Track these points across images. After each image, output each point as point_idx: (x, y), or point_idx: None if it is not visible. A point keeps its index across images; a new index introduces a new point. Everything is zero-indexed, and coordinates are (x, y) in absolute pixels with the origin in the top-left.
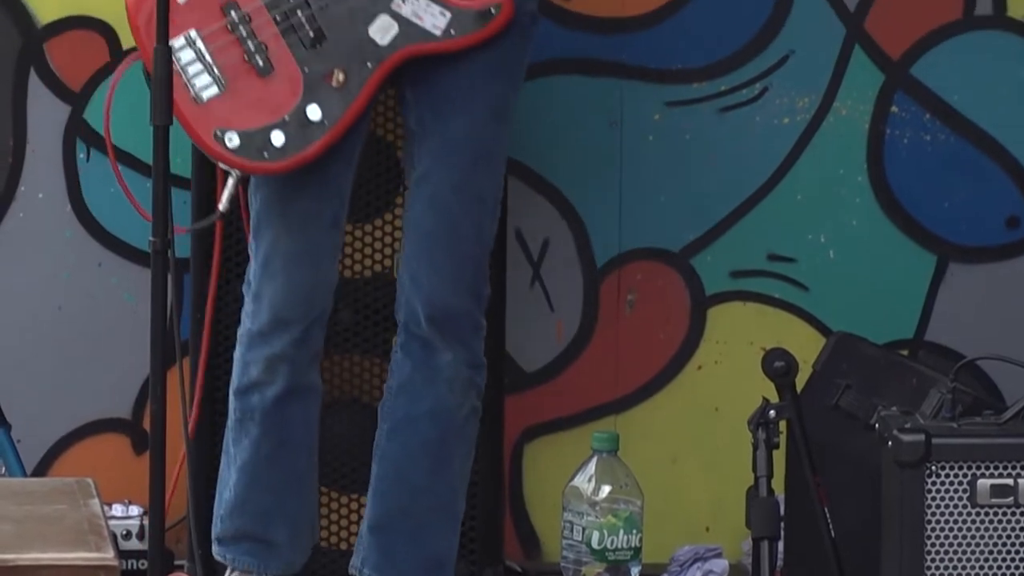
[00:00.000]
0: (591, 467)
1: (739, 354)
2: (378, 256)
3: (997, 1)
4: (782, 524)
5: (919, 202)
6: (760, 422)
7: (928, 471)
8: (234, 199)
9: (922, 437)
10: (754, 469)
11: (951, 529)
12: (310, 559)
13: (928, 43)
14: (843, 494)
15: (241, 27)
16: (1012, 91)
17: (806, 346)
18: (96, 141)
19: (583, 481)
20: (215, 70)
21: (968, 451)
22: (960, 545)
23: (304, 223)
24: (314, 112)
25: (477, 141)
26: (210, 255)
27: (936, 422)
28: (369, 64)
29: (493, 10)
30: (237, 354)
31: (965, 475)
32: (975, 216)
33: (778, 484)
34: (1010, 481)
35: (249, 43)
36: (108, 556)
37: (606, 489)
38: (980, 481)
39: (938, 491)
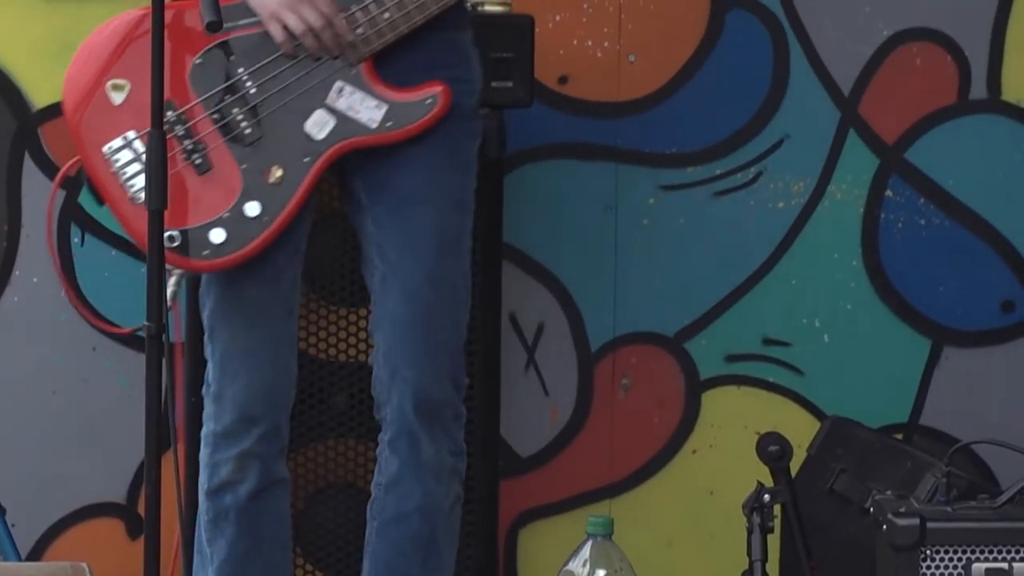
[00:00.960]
0: (586, 551)
1: (734, 438)
2: (362, 345)
3: (992, 85)
4: None
5: (914, 286)
6: (755, 506)
7: (923, 555)
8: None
9: (917, 521)
10: (749, 553)
11: None
12: None
13: (923, 127)
14: None
15: (178, 126)
16: (1007, 175)
17: (801, 430)
18: (91, 225)
19: (578, 565)
20: None
21: (963, 535)
22: None
23: (260, 318)
24: (253, 209)
25: (441, 231)
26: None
27: (931, 506)
28: (307, 159)
29: (429, 101)
30: (203, 456)
31: (960, 559)
32: (970, 300)
33: (773, 568)
34: (1005, 565)
35: (187, 142)
36: None
37: (601, 573)
38: (975, 565)
39: (933, 575)
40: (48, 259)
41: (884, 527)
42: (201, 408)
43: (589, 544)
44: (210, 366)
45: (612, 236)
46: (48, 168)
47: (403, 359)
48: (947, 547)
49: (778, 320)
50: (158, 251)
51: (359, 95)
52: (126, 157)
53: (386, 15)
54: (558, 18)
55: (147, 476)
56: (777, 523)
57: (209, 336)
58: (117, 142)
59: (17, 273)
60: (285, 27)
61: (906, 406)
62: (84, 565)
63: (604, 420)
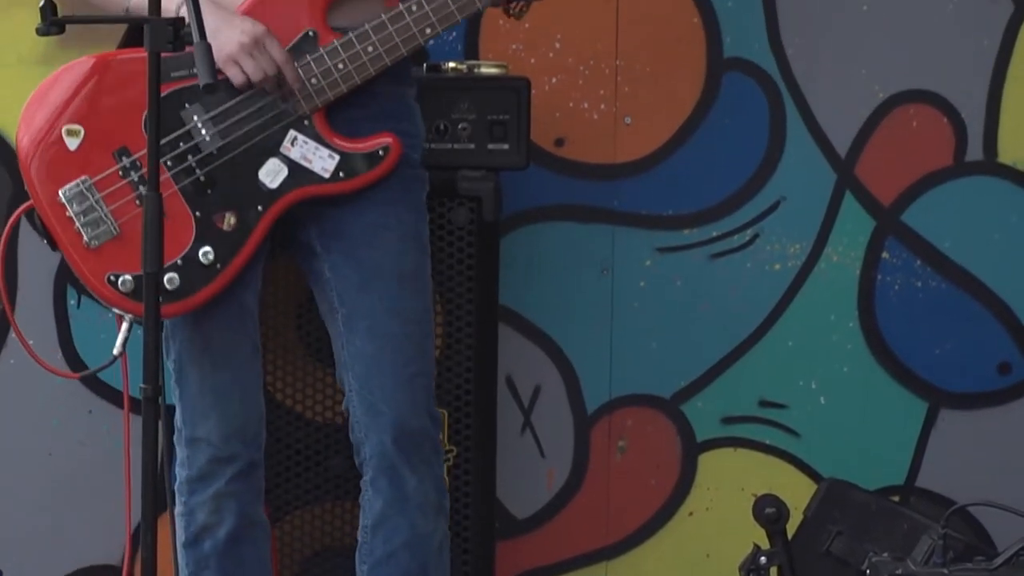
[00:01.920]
0: None
1: (730, 500)
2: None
3: (988, 147)
4: None
5: (910, 348)
6: (751, 568)
7: None
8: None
9: None
10: None
11: None
12: None
13: (919, 189)
14: None
15: (132, 172)
16: (1003, 237)
17: (797, 492)
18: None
19: None
20: (107, 216)
21: None
22: None
23: (227, 358)
24: (206, 255)
25: (398, 267)
26: None
27: (927, 568)
28: (260, 207)
29: (381, 152)
30: (177, 509)
31: None
32: (966, 362)
33: None
34: None
35: (140, 188)
36: None
37: None
38: None
39: None
40: (45, 323)
41: None
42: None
43: None
44: (179, 410)
45: (608, 298)
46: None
47: (378, 394)
48: None
49: (775, 382)
50: (154, 313)
51: (312, 145)
52: (80, 202)
53: (340, 66)
54: (554, 80)
55: (143, 539)
56: None
57: (177, 380)
58: (72, 187)
59: (14, 336)
60: (242, 70)
61: (903, 468)
62: None
63: (600, 482)
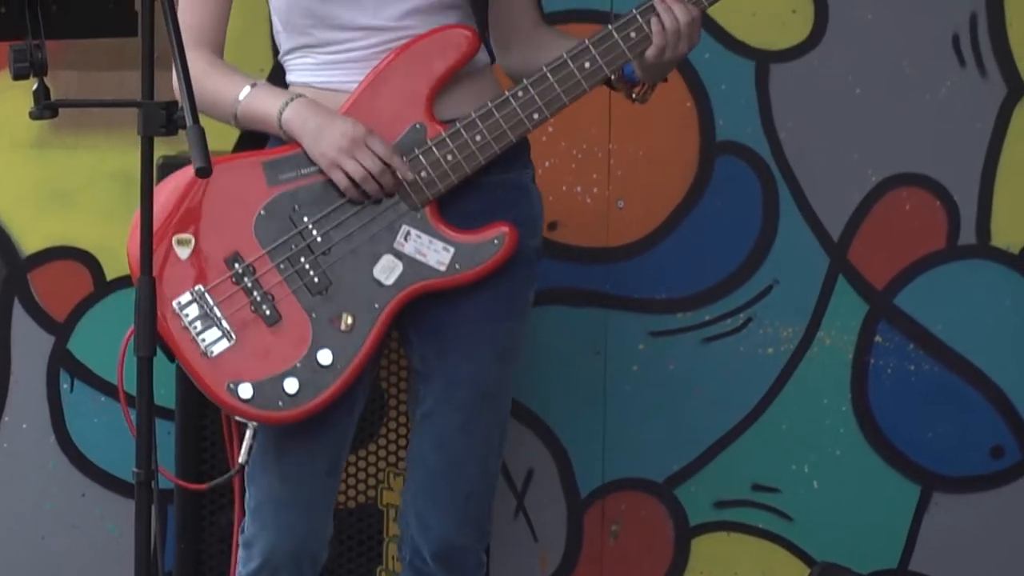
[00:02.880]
0: None
1: None
2: (362, 487)
3: (981, 231)
4: None
5: (903, 432)
6: None
7: None
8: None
9: None
10: None
11: None
12: None
13: (912, 273)
14: None
15: (246, 278)
16: (996, 320)
17: None
18: (80, 371)
19: None
20: (223, 323)
21: None
22: None
23: (300, 471)
24: (325, 357)
25: (481, 382)
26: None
27: None
28: (376, 305)
29: (496, 241)
30: None
31: None
32: (959, 446)
33: None
34: None
35: (255, 293)
36: None
37: None
38: None
39: None
40: (39, 406)
41: None
42: (188, 555)
43: None
44: (247, 505)
45: (601, 382)
46: (38, 315)
47: (429, 507)
48: None
49: (767, 466)
50: (147, 394)
51: (426, 238)
52: (196, 311)
53: (449, 157)
54: (547, 164)
55: None
56: None
57: (249, 479)
58: (186, 297)
59: (7, 419)
60: (346, 174)
61: (896, 552)
62: None
63: (593, 566)
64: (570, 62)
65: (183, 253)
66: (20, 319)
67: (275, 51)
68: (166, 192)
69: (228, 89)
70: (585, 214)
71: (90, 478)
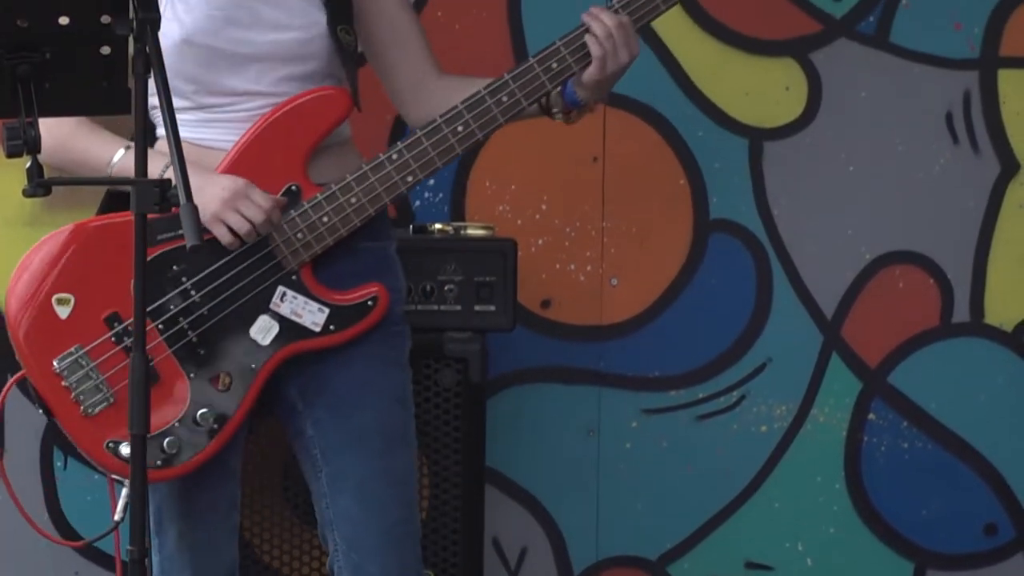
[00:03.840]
0: None
1: None
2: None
3: (974, 308)
4: None
5: (897, 509)
6: None
7: None
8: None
9: None
10: None
11: None
12: None
13: (906, 351)
14: None
15: (125, 338)
16: (989, 398)
17: None
18: (74, 449)
19: None
20: (102, 383)
21: None
22: None
23: (206, 514)
24: (203, 417)
25: (386, 427)
26: None
27: None
28: (253, 366)
29: (370, 302)
30: None
31: None
32: (953, 523)
33: None
34: None
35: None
36: None
37: None
38: None
39: None
40: (33, 484)
41: None
42: None
43: None
44: (156, 561)
45: (595, 459)
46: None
47: (366, 555)
48: None
49: (761, 544)
50: (141, 475)
51: (301, 299)
52: (75, 371)
53: (325, 219)
54: (541, 242)
55: None
56: None
57: (155, 532)
58: (65, 356)
59: (0, 496)
60: (229, 228)
61: None
62: None
63: None
64: (444, 125)
65: (63, 312)
66: (14, 396)
67: None
68: (46, 250)
69: (100, 150)
70: (578, 292)
71: (84, 556)
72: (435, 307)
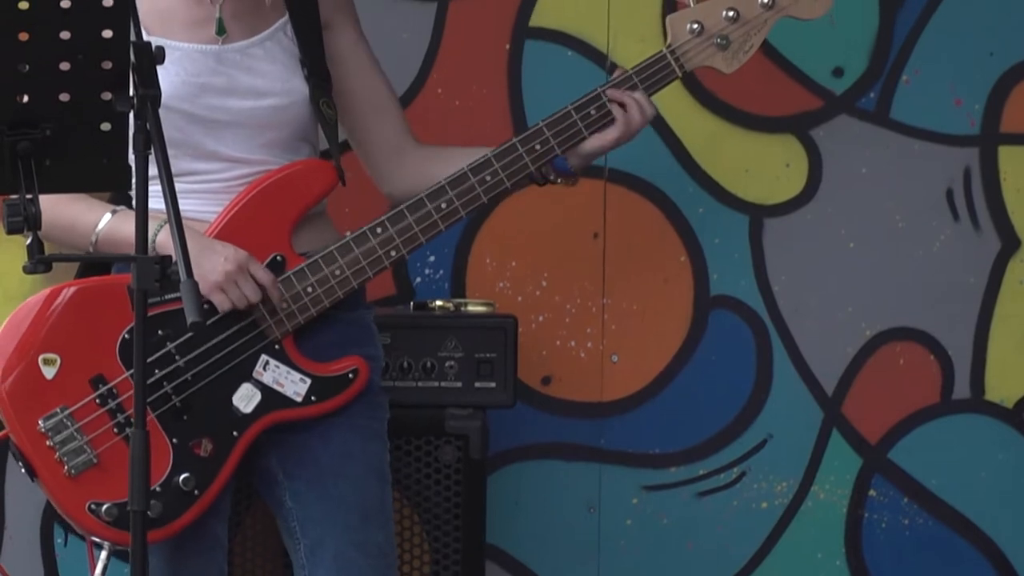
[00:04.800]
0: None
1: None
2: None
3: (975, 385)
4: None
5: None
6: None
7: None
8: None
9: None
10: None
11: None
12: None
13: (906, 427)
14: None
15: (110, 400)
16: (990, 475)
17: None
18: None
19: None
20: (86, 444)
21: None
22: None
23: (198, 571)
24: (185, 481)
25: (364, 499)
26: None
27: None
28: (235, 433)
29: (351, 375)
30: None
31: None
32: None
33: None
34: None
35: (118, 416)
36: None
37: None
38: None
39: None
40: (33, 561)
41: None
42: None
43: None
44: None
45: (595, 536)
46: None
47: None
48: None
49: None
50: (141, 551)
51: (284, 369)
52: (60, 431)
53: (309, 289)
54: (541, 319)
55: None
56: None
57: None
58: (50, 416)
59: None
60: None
61: None
62: None
63: None
64: (427, 201)
65: (49, 372)
66: (14, 473)
67: None
68: (34, 309)
69: (86, 215)
70: (579, 368)
71: None
72: (436, 383)
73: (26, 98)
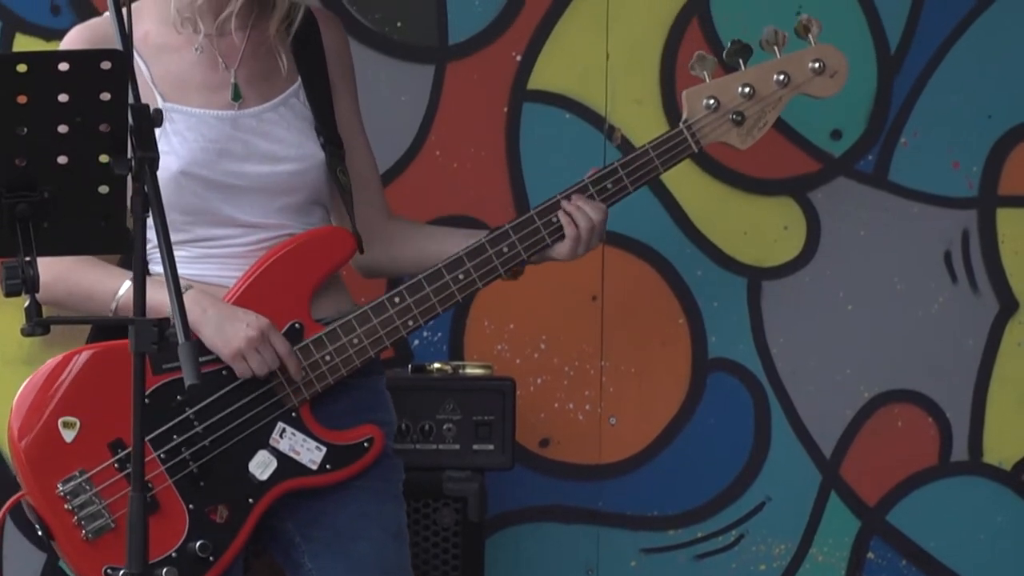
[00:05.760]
0: None
1: None
2: None
3: (973, 447)
4: None
5: None
6: None
7: None
8: None
9: None
10: None
11: None
12: None
13: (904, 489)
14: None
15: (128, 465)
16: (989, 537)
17: None
18: None
19: None
20: (104, 508)
21: None
22: None
23: None
24: (201, 548)
25: (383, 559)
26: None
27: None
28: (251, 500)
29: (366, 444)
30: None
31: None
32: None
33: None
34: None
35: None
36: None
37: None
38: None
39: None
40: None
41: None
42: None
43: None
44: None
45: None
46: (30, 532)
47: None
48: None
49: None
50: None
51: (300, 437)
52: (79, 495)
53: (328, 358)
54: (539, 381)
55: None
56: None
57: None
58: (69, 480)
59: None
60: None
61: None
62: None
63: None
64: (445, 271)
65: (68, 436)
66: (11, 534)
67: None
68: (56, 371)
69: (105, 282)
70: (577, 431)
71: None
72: (434, 446)
73: (24, 161)
